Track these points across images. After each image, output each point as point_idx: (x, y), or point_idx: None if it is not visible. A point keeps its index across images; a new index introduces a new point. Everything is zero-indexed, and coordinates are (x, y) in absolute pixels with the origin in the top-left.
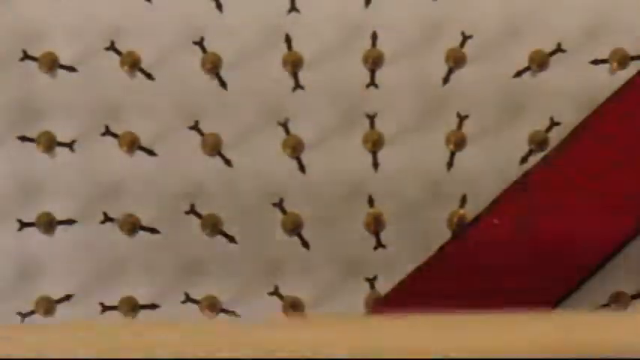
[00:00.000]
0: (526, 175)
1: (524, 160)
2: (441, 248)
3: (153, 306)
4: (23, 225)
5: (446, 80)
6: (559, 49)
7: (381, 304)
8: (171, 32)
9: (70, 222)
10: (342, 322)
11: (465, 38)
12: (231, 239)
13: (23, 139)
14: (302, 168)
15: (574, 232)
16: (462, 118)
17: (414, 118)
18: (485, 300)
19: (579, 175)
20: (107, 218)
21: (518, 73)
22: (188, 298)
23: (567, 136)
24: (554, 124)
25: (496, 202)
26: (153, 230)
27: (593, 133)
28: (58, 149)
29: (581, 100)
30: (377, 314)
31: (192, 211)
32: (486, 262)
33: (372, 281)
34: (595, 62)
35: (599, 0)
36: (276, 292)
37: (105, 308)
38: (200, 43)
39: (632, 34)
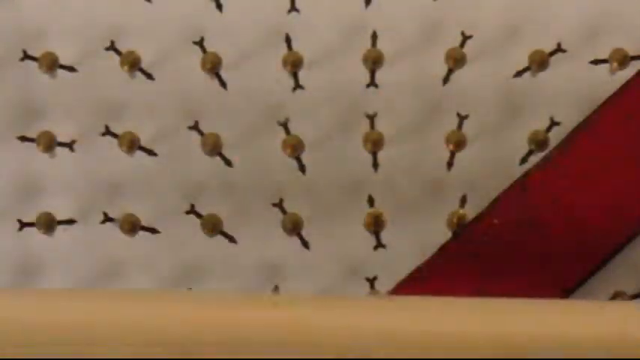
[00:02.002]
0: (526, 175)
1: (524, 160)
2: (442, 248)
3: None
4: (23, 225)
5: (446, 80)
6: (559, 49)
7: None
8: (172, 32)
9: (70, 222)
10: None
11: (465, 38)
12: (231, 239)
13: (23, 139)
14: (302, 168)
15: (574, 232)
16: (462, 118)
17: (413, 118)
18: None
19: (579, 175)
20: (107, 218)
21: (519, 73)
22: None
23: (567, 136)
24: (554, 123)
25: (496, 202)
26: (153, 230)
27: (593, 133)
28: (58, 149)
29: (581, 100)
30: None
31: (192, 211)
32: (486, 261)
33: (372, 281)
34: (595, 62)
35: (599, 0)
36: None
37: None
38: (200, 43)
39: (632, 34)
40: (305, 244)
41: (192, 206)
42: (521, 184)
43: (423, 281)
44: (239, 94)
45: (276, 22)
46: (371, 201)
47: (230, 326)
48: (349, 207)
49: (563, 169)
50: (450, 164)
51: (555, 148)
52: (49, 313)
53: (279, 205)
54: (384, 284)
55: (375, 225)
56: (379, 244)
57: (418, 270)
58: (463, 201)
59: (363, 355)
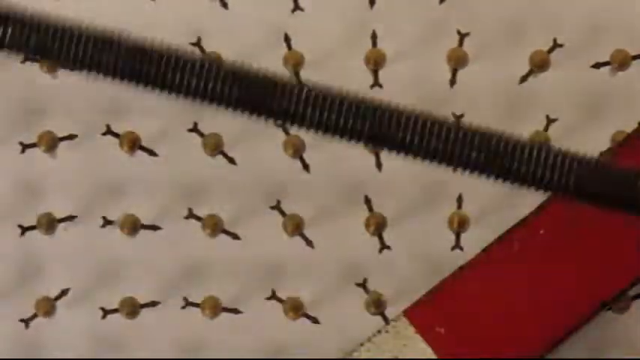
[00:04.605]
0: None
1: None
2: (484, 251)
3: (153, 303)
4: (24, 230)
5: (453, 82)
6: (556, 45)
7: (418, 308)
8: (173, 32)
9: (70, 218)
10: None
11: (463, 37)
12: (234, 236)
13: (24, 146)
14: (306, 167)
15: (621, 242)
16: (458, 118)
17: None
18: (525, 307)
19: None
20: (107, 222)
21: (523, 78)
22: (188, 303)
23: (615, 146)
24: (550, 121)
25: (542, 209)
26: (154, 227)
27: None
28: (59, 151)
29: (581, 99)
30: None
31: (191, 214)
32: (529, 268)
33: (364, 285)
34: (597, 65)
35: (599, 0)
36: (273, 296)
37: (106, 313)
38: (198, 44)
39: (633, 34)
40: (309, 244)
41: (191, 210)
42: None
43: (461, 285)
44: None
45: (279, 22)
46: (369, 204)
47: None
48: (350, 208)
49: None
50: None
51: (602, 157)
52: None
53: (277, 207)
54: (384, 284)
55: (377, 227)
56: (383, 246)
57: (457, 274)
58: (460, 201)
59: None
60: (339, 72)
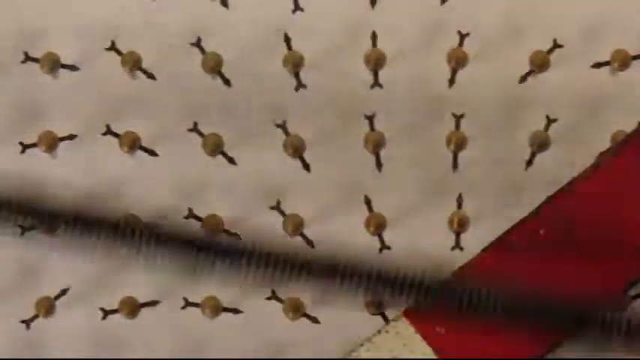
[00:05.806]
0: (572, 182)
1: (529, 163)
2: (484, 251)
3: (153, 302)
4: (24, 230)
5: (452, 82)
6: (556, 45)
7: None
8: (173, 32)
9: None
10: None
11: (463, 37)
12: (234, 237)
13: (24, 146)
14: (306, 167)
15: (624, 235)
16: (458, 118)
17: (414, 118)
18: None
19: (627, 185)
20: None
21: (523, 78)
22: (188, 303)
23: (613, 147)
24: (550, 121)
25: (542, 209)
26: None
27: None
28: (59, 150)
29: (581, 99)
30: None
31: (191, 214)
32: (529, 268)
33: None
34: (597, 65)
35: (599, 0)
36: (273, 296)
37: (106, 313)
38: (198, 44)
39: (633, 34)
40: (309, 244)
41: (191, 210)
42: (568, 191)
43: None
44: (242, 94)
45: (279, 22)
46: (369, 204)
47: None
48: (350, 207)
49: (610, 178)
50: (455, 165)
51: (602, 157)
52: None
53: (277, 207)
54: None
55: (377, 228)
56: (383, 246)
57: (456, 274)
58: (460, 200)
59: None
60: (339, 72)
